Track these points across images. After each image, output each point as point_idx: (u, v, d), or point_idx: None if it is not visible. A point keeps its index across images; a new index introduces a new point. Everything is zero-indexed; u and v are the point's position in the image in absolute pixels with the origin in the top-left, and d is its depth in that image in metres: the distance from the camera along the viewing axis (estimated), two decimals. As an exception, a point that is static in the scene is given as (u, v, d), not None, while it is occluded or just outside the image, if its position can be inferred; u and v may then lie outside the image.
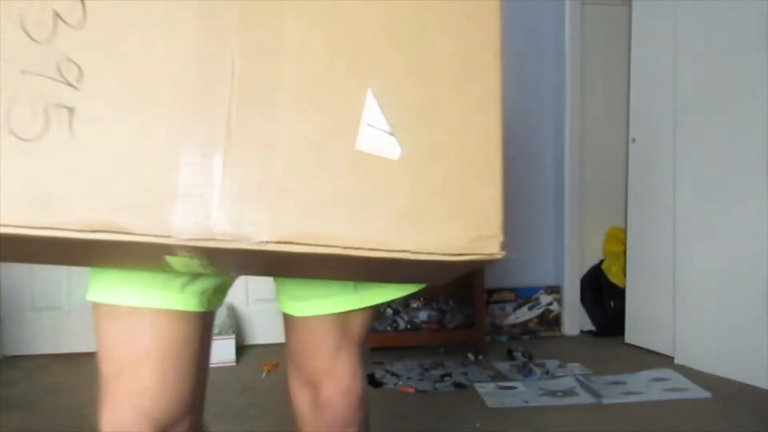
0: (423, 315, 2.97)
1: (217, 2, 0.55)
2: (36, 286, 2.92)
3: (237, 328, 2.93)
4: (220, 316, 2.86)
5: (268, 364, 2.60)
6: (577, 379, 2.44)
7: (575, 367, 2.64)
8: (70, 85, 0.54)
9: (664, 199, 2.76)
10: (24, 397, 2.34)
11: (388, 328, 2.89)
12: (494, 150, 0.59)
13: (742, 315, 2.42)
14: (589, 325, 3.29)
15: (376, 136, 0.56)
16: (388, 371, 2.58)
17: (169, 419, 0.78)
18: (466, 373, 2.56)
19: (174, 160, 0.53)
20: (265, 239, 0.53)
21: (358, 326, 0.81)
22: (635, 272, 2.97)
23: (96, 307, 0.78)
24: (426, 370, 2.61)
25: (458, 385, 2.41)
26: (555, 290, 3.26)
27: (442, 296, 3.14)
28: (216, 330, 2.80)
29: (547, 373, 2.53)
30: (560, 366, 2.65)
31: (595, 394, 2.28)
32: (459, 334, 2.90)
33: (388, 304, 2.98)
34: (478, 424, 2.04)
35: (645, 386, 2.38)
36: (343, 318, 0.79)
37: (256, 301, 3.08)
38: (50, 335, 2.93)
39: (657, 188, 2.82)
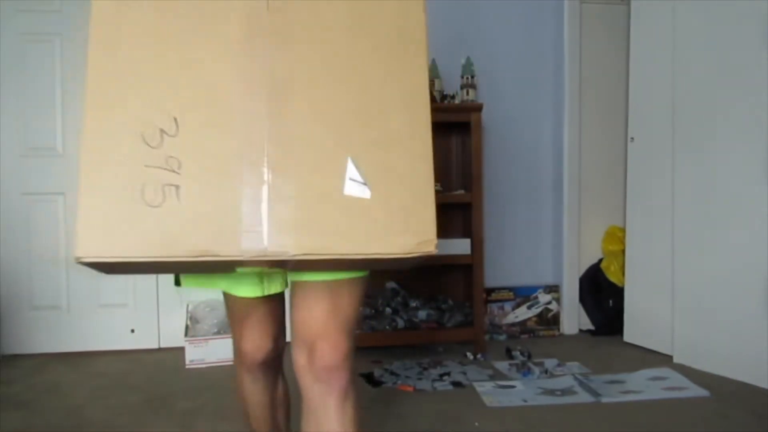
0: (422, 314, 2.97)
1: (253, 113, 0.93)
2: (35, 285, 2.93)
3: (236, 327, 2.94)
4: (219, 316, 2.87)
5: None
6: (576, 378, 2.45)
7: (574, 366, 2.64)
8: (174, 171, 0.89)
9: (663, 198, 2.77)
10: (23, 396, 2.34)
11: (387, 327, 2.89)
12: (430, 185, 0.95)
13: (741, 314, 2.43)
14: (587, 324, 3.29)
15: (356, 185, 0.93)
16: (386, 370, 2.58)
17: (275, 335, 1.28)
18: (464, 372, 2.56)
19: (239, 210, 0.91)
20: (293, 254, 0.91)
21: (344, 296, 1.12)
22: (634, 271, 2.98)
23: (225, 296, 1.25)
24: (425, 369, 2.61)
25: (457, 384, 2.41)
26: (554, 289, 3.27)
27: (441, 295, 3.15)
28: (215, 329, 2.81)
29: (546, 372, 2.54)
30: (559, 365, 2.65)
31: (593, 393, 2.28)
32: (458, 333, 2.91)
33: (387, 303, 3.00)
34: (476, 423, 2.04)
35: (643, 385, 2.39)
36: (331, 287, 1.11)
37: (255, 300, 3.09)
38: (49, 334, 2.93)
39: (656, 187, 2.82)
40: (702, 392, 2.29)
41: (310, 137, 0.92)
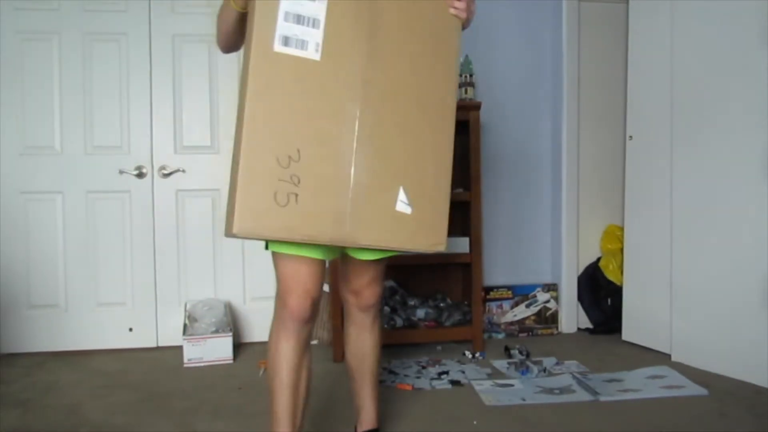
0: (420, 312, 2.97)
1: (346, 153, 1.43)
2: (33, 284, 2.92)
3: (234, 326, 2.93)
4: (218, 315, 2.87)
5: (265, 361, 2.59)
6: (574, 377, 2.45)
7: (572, 365, 2.64)
8: (295, 185, 1.36)
9: (661, 196, 2.77)
10: (21, 395, 2.34)
11: (386, 326, 2.89)
12: (447, 205, 1.52)
13: (739, 312, 2.43)
14: (586, 323, 3.30)
15: (403, 205, 1.46)
16: (385, 369, 2.58)
17: (315, 295, 1.60)
18: (463, 371, 2.56)
19: (333, 212, 1.41)
20: (363, 243, 1.45)
21: (382, 268, 1.75)
22: (632, 270, 2.98)
23: (275, 255, 1.57)
24: (423, 367, 2.61)
25: (455, 383, 2.41)
26: (552, 288, 3.27)
27: (440, 294, 3.15)
28: (213, 328, 2.81)
29: (545, 370, 2.54)
30: (557, 363, 2.65)
31: (592, 391, 2.28)
32: (456, 332, 2.91)
33: (386, 302, 3.01)
34: (475, 422, 2.04)
35: (642, 383, 2.39)
36: (375, 262, 1.70)
37: (253, 300, 3.09)
38: (47, 333, 2.93)
39: (654, 186, 2.82)
40: (700, 390, 2.29)
41: (379, 172, 1.44)
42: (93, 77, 2.93)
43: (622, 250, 3.10)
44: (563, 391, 2.31)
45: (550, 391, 2.31)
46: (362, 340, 1.82)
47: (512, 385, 2.37)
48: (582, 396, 2.25)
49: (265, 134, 1.34)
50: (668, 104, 2.73)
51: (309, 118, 1.38)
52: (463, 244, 2.92)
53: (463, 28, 1.57)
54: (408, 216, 1.44)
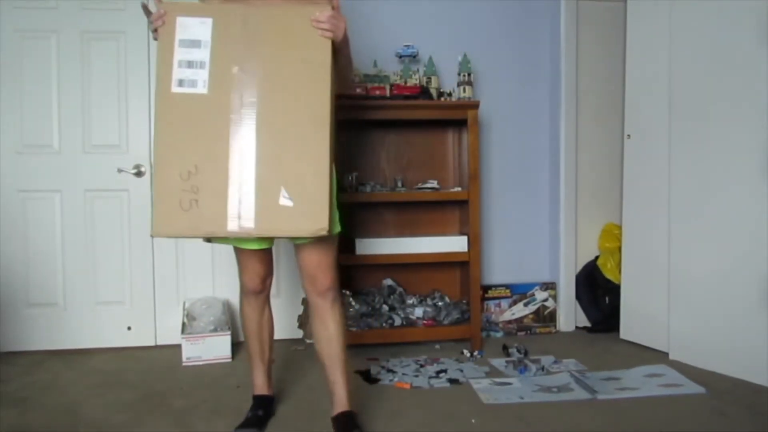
0: (419, 311, 2.97)
1: (235, 166, 1.73)
2: (31, 282, 2.92)
3: (233, 324, 2.93)
4: (216, 313, 2.87)
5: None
6: (572, 375, 2.45)
7: (570, 363, 2.65)
8: (195, 193, 1.70)
9: (660, 195, 2.77)
10: (19, 394, 2.34)
11: (384, 325, 2.89)
12: (324, 193, 1.72)
13: (737, 311, 2.44)
14: (584, 321, 3.30)
15: (285, 200, 1.71)
16: (383, 367, 2.58)
17: (264, 275, 2.04)
18: (461, 369, 2.56)
19: (227, 211, 1.71)
20: (257, 233, 1.73)
21: (328, 252, 1.95)
22: (630, 268, 2.98)
23: (233, 248, 2.00)
24: (421, 366, 2.61)
25: (453, 381, 2.41)
26: (550, 286, 3.27)
27: (438, 292, 3.15)
28: (212, 326, 2.81)
29: (543, 368, 2.54)
30: (555, 362, 2.66)
31: (590, 389, 2.28)
32: (454, 331, 2.91)
33: (384, 300, 3.01)
34: (473, 420, 2.05)
35: (640, 382, 2.39)
36: (314, 244, 1.91)
37: (251, 298, 3.09)
38: (45, 332, 2.93)
39: (652, 184, 2.83)
40: (698, 389, 2.29)
41: (262, 176, 1.70)
42: (91, 76, 2.92)
43: (620, 248, 3.10)
44: (561, 389, 2.31)
45: (548, 389, 2.31)
46: (325, 325, 1.96)
47: (510, 384, 2.38)
48: (580, 394, 2.26)
49: (170, 156, 1.71)
50: (666, 103, 2.73)
51: (202, 140, 1.71)
52: (461, 243, 2.92)
53: (336, 42, 1.76)
54: (291, 208, 1.69)
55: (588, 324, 3.28)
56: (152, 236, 1.79)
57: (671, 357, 2.69)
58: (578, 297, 3.30)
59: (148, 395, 2.30)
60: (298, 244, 1.93)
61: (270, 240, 1.95)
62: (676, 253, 2.68)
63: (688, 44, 2.62)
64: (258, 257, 1.99)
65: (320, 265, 1.93)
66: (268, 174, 1.70)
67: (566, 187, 3.24)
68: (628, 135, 2.98)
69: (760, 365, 2.34)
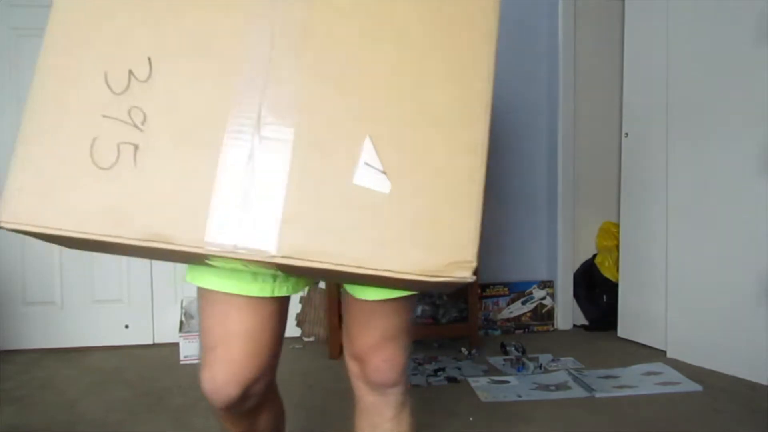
0: (417, 310, 2.97)
1: (253, 71, 0.75)
2: (29, 280, 2.91)
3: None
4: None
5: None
6: (570, 373, 2.46)
7: (568, 361, 2.65)
8: (136, 127, 0.73)
9: (657, 193, 2.78)
10: (16, 392, 2.34)
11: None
12: (475, 188, 0.76)
13: (735, 309, 2.44)
14: (582, 320, 3.30)
15: (371, 173, 0.71)
16: (381, 365, 2.58)
17: (251, 381, 0.99)
18: (459, 368, 2.57)
19: (210, 188, 0.72)
20: (272, 254, 0.70)
21: (402, 315, 1.03)
22: (628, 267, 2.98)
23: (198, 290, 1.00)
24: (419, 364, 2.62)
25: (451, 380, 2.41)
26: (548, 285, 3.27)
27: (436, 291, 3.15)
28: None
29: (540, 367, 2.54)
30: (553, 360, 2.66)
31: (587, 388, 2.29)
32: (452, 329, 2.91)
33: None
34: (471, 419, 2.05)
35: (637, 380, 2.40)
36: (385, 307, 1.00)
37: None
38: (42, 330, 2.92)
39: (650, 183, 2.83)
40: (695, 387, 2.30)
41: (318, 104, 0.72)
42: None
43: (617, 246, 3.10)
44: (559, 387, 2.32)
45: (545, 387, 2.31)
46: None
47: (508, 382, 2.38)
48: (578, 392, 2.26)
49: (84, 38, 0.76)
50: (664, 101, 2.73)
51: (177, 11, 0.76)
52: (459, 241, 2.91)
53: None
54: (382, 200, 0.71)
55: (586, 322, 3.28)
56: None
57: (669, 355, 2.69)
58: (576, 295, 3.30)
59: (146, 393, 2.30)
60: (350, 293, 1.02)
61: (294, 283, 0.98)
62: (673, 251, 2.68)
63: (686, 43, 2.62)
64: (252, 320, 0.97)
65: (384, 341, 1.03)
66: (338, 105, 0.73)
67: (564, 186, 3.24)
68: (626, 133, 2.98)
69: (758, 363, 2.34)
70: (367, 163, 0.71)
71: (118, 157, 0.72)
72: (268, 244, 0.70)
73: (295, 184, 0.71)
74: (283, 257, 0.70)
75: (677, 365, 2.55)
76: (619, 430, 1.96)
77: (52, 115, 0.74)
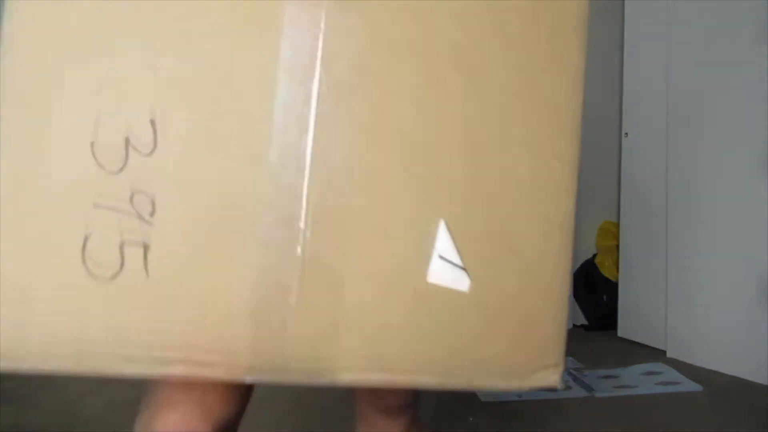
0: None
1: (293, 134, 0.55)
2: (28, 280, 2.90)
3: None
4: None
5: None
6: (570, 373, 2.45)
7: (568, 361, 2.64)
8: (143, 219, 0.52)
9: (657, 193, 2.77)
10: (17, 392, 2.33)
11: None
12: (563, 274, 0.61)
13: (734, 309, 2.44)
14: (582, 319, 3.30)
15: (447, 269, 0.57)
16: (381, 365, 2.58)
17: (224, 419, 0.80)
18: (459, 367, 2.56)
19: (247, 299, 0.54)
20: (330, 378, 0.55)
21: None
22: (628, 267, 2.98)
23: None
24: (419, 364, 2.61)
25: (451, 379, 2.41)
26: (548, 284, 3.27)
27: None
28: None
29: (540, 366, 2.54)
30: (553, 360, 2.65)
31: (587, 387, 2.29)
32: (452, 329, 2.90)
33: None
34: (471, 419, 2.04)
35: (637, 380, 2.40)
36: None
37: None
38: (43, 330, 2.91)
39: (650, 183, 2.83)
40: (695, 387, 2.30)
41: (378, 177, 0.56)
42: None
43: (617, 246, 3.10)
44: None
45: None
46: None
47: (508, 382, 2.38)
48: (577, 392, 2.26)
49: (59, 92, 0.52)
50: (664, 101, 2.73)
51: (185, 44, 0.54)
52: (459, 241, 2.91)
53: None
54: (462, 301, 0.58)
55: (585, 322, 3.28)
56: None
57: (668, 355, 2.69)
58: (576, 295, 3.30)
59: (145, 393, 2.30)
60: None
61: None
62: (673, 251, 2.68)
63: (686, 43, 2.62)
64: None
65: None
66: (401, 179, 0.56)
67: (564, 185, 3.24)
68: (626, 133, 2.98)
69: (758, 363, 2.34)
70: (442, 257, 0.57)
71: (122, 263, 0.52)
72: (324, 364, 0.55)
73: (355, 288, 0.55)
74: (352, 376, 0.55)
75: (677, 365, 2.55)
76: (619, 430, 1.96)
77: (21, 207, 0.51)
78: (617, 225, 3.15)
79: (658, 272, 2.78)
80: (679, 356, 2.65)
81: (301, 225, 0.54)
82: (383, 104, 0.56)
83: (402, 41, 0.56)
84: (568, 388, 2.29)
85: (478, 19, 0.58)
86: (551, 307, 0.60)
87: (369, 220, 0.56)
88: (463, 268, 0.57)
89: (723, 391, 2.26)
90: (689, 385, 2.32)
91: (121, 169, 0.52)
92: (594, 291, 3.26)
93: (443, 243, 0.56)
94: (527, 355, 0.59)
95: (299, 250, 0.54)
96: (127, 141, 0.52)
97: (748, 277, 2.39)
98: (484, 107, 0.58)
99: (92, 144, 0.52)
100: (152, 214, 0.52)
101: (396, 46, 0.56)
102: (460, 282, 0.57)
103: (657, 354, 2.73)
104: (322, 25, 0.55)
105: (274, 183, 0.54)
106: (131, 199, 0.52)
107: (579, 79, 0.66)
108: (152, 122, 0.53)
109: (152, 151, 0.52)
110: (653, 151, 2.81)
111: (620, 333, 3.02)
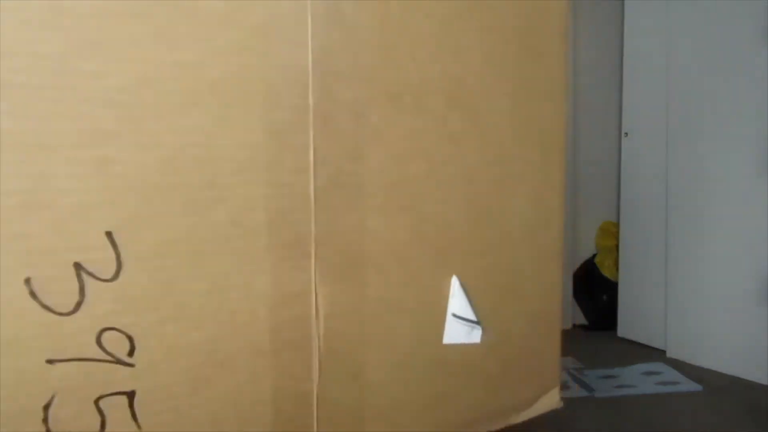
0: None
1: (294, 210, 0.46)
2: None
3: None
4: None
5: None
6: (570, 373, 2.45)
7: (568, 361, 2.64)
8: (120, 362, 0.39)
9: (657, 193, 2.77)
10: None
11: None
12: (557, 302, 0.64)
13: (734, 309, 2.44)
14: (581, 319, 3.30)
15: (461, 326, 0.54)
16: (381, 365, 2.58)
17: None
18: (459, 367, 2.56)
19: (268, 417, 0.46)
20: None
21: None
22: (628, 266, 2.98)
23: None
24: (419, 364, 2.61)
25: (451, 379, 2.41)
26: (548, 284, 3.27)
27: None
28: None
29: (540, 366, 2.54)
30: (553, 360, 2.65)
31: (587, 387, 2.28)
32: (452, 328, 2.90)
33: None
34: (471, 418, 2.04)
35: (637, 380, 2.39)
36: None
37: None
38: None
39: (650, 183, 2.83)
40: (695, 386, 2.30)
41: (389, 248, 0.50)
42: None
43: (617, 246, 3.10)
44: (559, 387, 2.31)
45: (545, 387, 2.31)
46: None
47: (508, 382, 2.38)
48: (577, 392, 2.26)
49: None
50: (664, 101, 2.73)
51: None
52: (459, 241, 2.91)
53: None
54: (476, 350, 0.57)
55: (585, 322, 3.28)
56: None
57: (668, 354, 2.69)
58: (576, 295, 3.30)
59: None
60: None
61: None
62: (673, 251, 2.68)
63: (686, 42, 2.62)
64: None
65: None
66: (411, 244, 0.58)
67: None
68: (626, 133, 2.98)
69: (758, 362, 2.34)
70: (455, 315, 0.53)
71: (102, 421, 0.40)
72: None
73: (374, 372, 0.50)
74: None
75: (677, 365, 2.55)
76: (619, 430, 1.96)
77: None
78: (617, 225, 3.15)
79: (658, 272, 2.77)
80: (679, 356, 2.65)
81: (312, 318, 0.47)
82: (388, 163, 0.49)
83: (403, 85, 0.50)
84: (567, 388, 2.29)
85: (472, 50, 0.59)
86: (549, 337, 0.62)
87: (383, 299, 0.49)
88: (477, 323, 0.54)
89: (723, 391, 2.26)
90: (689, 385, 2.31)
91: (78, 307, 0.37)
92: (594, 291, 3.25)
93: (457, 301, 0.53)
94: (534, 388, 0.60)
95: (315, 347, 0.47)
96: (77, 267, 0.38)
97: (748, 277, 2.39)
98: (483, 146, 0.55)
99: (29, 279, 0.36)
100: (131, 352, 0.39)
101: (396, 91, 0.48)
102: (473, 335, 0.55)
103: (657, 354, 2.73)
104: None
105: (277, 283, 0.46)
106: (98, 340, 0.38)
107: (565, 99, 0.64)
108: (109, 235, 0.37)
109: (116, 275, 0.38)
110: (653, 151, 2.81)
111: (620, 333, 3.01)
